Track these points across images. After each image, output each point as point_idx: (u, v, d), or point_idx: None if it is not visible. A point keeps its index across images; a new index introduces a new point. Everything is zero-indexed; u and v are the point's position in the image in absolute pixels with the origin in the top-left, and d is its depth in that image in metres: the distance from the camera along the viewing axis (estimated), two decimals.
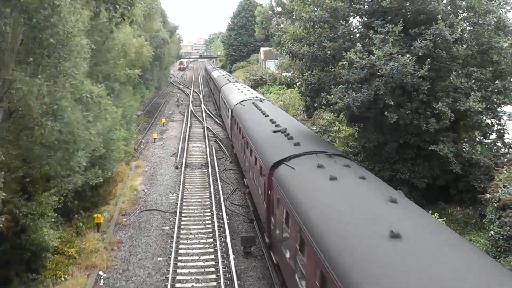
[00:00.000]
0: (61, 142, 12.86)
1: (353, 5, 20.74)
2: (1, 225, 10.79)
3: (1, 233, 11.72)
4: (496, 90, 18.77)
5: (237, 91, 38.53)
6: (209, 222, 21.08)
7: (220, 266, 16.61)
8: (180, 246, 18.55)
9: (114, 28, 16.99)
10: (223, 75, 63.75)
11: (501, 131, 19.95)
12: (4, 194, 10.60)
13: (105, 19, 12.89)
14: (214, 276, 16.18)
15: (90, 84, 14.27)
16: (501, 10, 19.21)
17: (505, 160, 18.67)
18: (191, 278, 16.05)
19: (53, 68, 12.21)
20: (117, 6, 11.53)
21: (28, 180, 13.84)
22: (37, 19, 10.57)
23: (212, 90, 72.65)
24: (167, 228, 20.68)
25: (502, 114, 19.85)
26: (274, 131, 19.28)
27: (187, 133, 41.66)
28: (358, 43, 20.29)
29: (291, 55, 22.49)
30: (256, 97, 33.88)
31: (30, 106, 11.30)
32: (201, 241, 19.17)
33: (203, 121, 47.71)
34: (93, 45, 15.24)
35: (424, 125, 18.72)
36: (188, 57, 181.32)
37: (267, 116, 23.66)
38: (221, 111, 45.72)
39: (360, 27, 21.41)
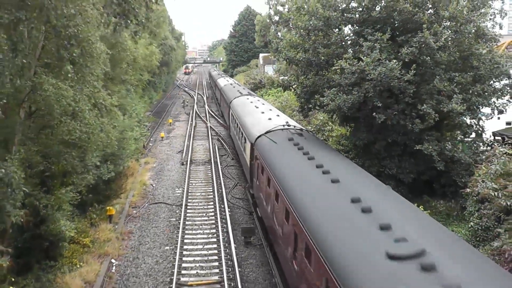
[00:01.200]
0: (80, 140, 12.96)
1: (345, 15, 20.83)
2: (21, 220, 10.85)
3: (23, 224, 11.80)
4: (476, 93, 18.88)
5: (256, 112, 25.22)
6: (212, 214, 21.13)
7: (223, 254, 16.69)
8: (186, 236, 18.58)
9: (129, 39, 16.97)
10: (231, 84, 48.74)
11: (480, 130, 20.13)
12: (25, 188, 10.68)
13: (117, 33, 12.98)
14: (217, 263, 16.23)
15: (104, 93, 14.37)
16: (481, 20, 19.31)
17: (484, 157, 18.75)
18: (195, 266, 16.10)
19: (77, 74, 12.29)
20: (129, 21, 11.58)
21: (47, 175, 13.93)
22: (60, 26, 10.63)
23: (218, 101, 57.52)
24: (174, 219, 20.73)
25: (481, 115, 19.96)
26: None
27: (192, 132, 41.70)
28: (350, 50, 20.39)
29: (287, 60, 22.57)
30: (288, 124, 19.96)
31: (53, 106, 11.38)
32: (205, 231, 19.20)
33: (207, 121, 47.73)
34: (108, 51, 15.30)
35: (410, 125, 18.82)
36: (193, 62, 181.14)
37: (335, 181, 10.97)
38: (231, 131, 33.03)
39: (352, 35, 21.49)
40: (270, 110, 26.42)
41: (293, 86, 24.44)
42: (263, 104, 29.79)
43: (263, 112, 24.51)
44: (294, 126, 20.03)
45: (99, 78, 14.01)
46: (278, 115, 23.61)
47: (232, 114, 31.77)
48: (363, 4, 20.23)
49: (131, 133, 23.29)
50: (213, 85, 77.77)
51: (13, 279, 12.24)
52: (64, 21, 10.64)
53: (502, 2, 20.65)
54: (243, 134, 23.68)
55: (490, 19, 19.64)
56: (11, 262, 11.96)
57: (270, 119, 21.83)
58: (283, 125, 19.70)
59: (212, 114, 53.33)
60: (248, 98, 32.35)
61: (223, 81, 55.05)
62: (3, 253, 10.99)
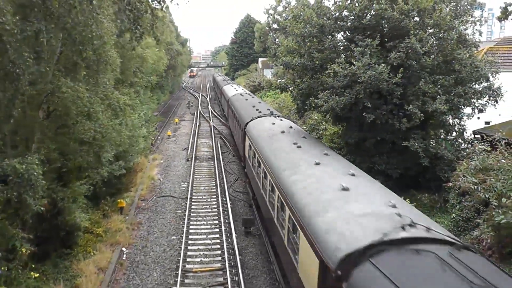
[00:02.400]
0: (95, 139, 13.09)
1: (338, 22, 20.94)
2: (42, 208, 11.02)
3: (41, 215, 11.95)
4: (457, 94, 18.98)
5: (302, 159, 13.24)
6: (215, 206, 21.26)
7: (225, 243, 16.82)
8: (191, 227, 18.74)
9: (136, 43, 17.10)
10: (241, 95, 35.67)
11: (461, 129, 20.26)
12: (44, 182, 10.83)
13: (128, 38, 13.08)
14: (219, 252, 16.40)
15: (118, 94, 14.48)
16: (462, 27, 19.44)
17: (465, 154, 18.90)
18: (199, 254, 16.28)
19: (91, 78, 12.40)
20: (139, 27, 11.70)
21: (64, 170, 14.05)
22: (77, 36, 10.73)
23: (224, 112, 45.89)
24: (180, 211, 20.87)
25: (463, 115, 20.10)
26: None
27: (196, 130, 41.79)
28: (342, 55, 20.51)
29: (284, 66, 22.66)
30: (411, 222, 7.38)
31: (70, 108, 11.51)
32: (208, 222, 19.36)
33: (210, 120, 47.79)
34: (119, 58, 15.42)
35: (397, 124, 18.94)
36: (197, 66, 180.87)
37: None
38: (247, 168, 21.80)
39: (344, 41, 21.59)
40: (326, 154, 13.82)
41: (290, 89, 24.52)
42: (304, 137, 17.23)
43: (318, 163, 12.25)
44: (430, 228, 7.51)
45: (111, 80, 14.11)
46: (353, 174, 11.11)
47: (250, 145, 20.02)
48: (354, 13, 20.34)
49: (140, 131, 23.40)
50: (218, 92, 62.62)
51: (33, 266, 12.42)
52: (80, 29, 10.75)
53: (482, 11, 20.78)
54: (291, 217, 10.64)
55: (471, 26, 19.76)
56: (33, 248, 12.11)
57: (346, 189, 9.70)
58: (400, 227, 7.42)
59: (215, 114, 53.42)
60: (274, 123, 20.64)
61: (231, 90, 40.91)
62: (25, 239, 11.16)
